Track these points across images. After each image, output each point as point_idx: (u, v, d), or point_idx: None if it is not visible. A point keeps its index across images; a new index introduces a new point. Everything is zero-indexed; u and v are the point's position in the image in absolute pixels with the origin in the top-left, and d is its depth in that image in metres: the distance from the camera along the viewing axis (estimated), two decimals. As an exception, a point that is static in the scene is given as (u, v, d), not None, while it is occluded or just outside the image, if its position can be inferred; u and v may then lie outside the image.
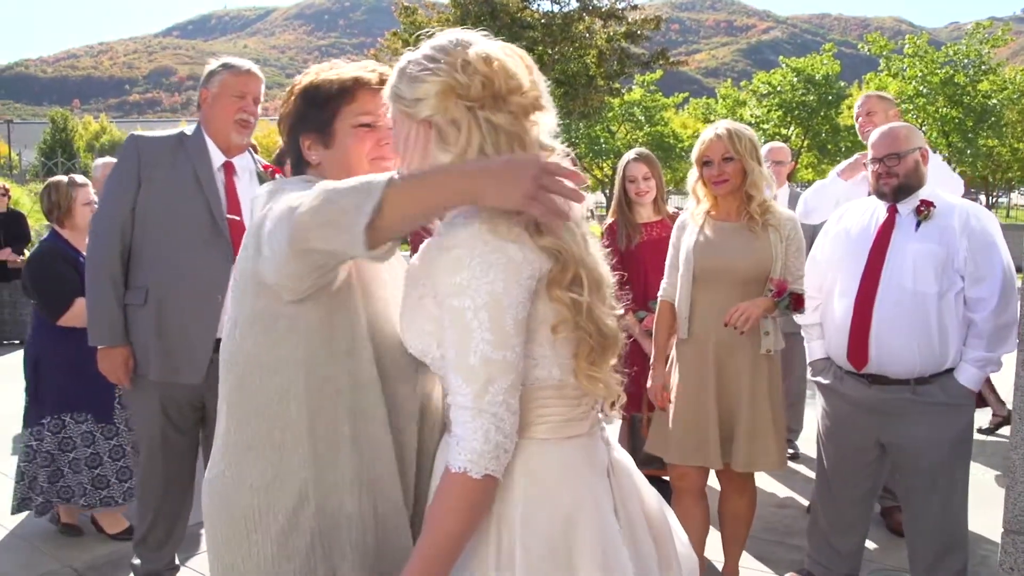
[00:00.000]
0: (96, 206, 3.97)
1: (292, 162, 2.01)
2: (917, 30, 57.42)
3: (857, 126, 4.87)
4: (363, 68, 1.93)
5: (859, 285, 3.30)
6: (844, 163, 4.85)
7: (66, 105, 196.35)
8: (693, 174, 3.53)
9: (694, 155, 3.49)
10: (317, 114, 1.90)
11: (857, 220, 3.46)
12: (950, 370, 3.24)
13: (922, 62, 30.88)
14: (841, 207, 3.71)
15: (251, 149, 3.57)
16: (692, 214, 3.52)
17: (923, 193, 3.31)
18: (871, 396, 3.33)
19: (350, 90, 1.88)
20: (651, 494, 1.82)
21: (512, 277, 1.47)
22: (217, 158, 3.39)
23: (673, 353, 3.56)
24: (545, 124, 1.62)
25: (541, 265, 1.51)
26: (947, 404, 3.23)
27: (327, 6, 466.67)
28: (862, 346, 3.28)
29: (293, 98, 1.95)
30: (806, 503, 4.84)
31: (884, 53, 32.23)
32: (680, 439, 3.41)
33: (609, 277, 1.66)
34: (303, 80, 1.96)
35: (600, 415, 1.74)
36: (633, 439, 4.79)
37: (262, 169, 3.52)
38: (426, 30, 1.68)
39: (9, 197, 10.33)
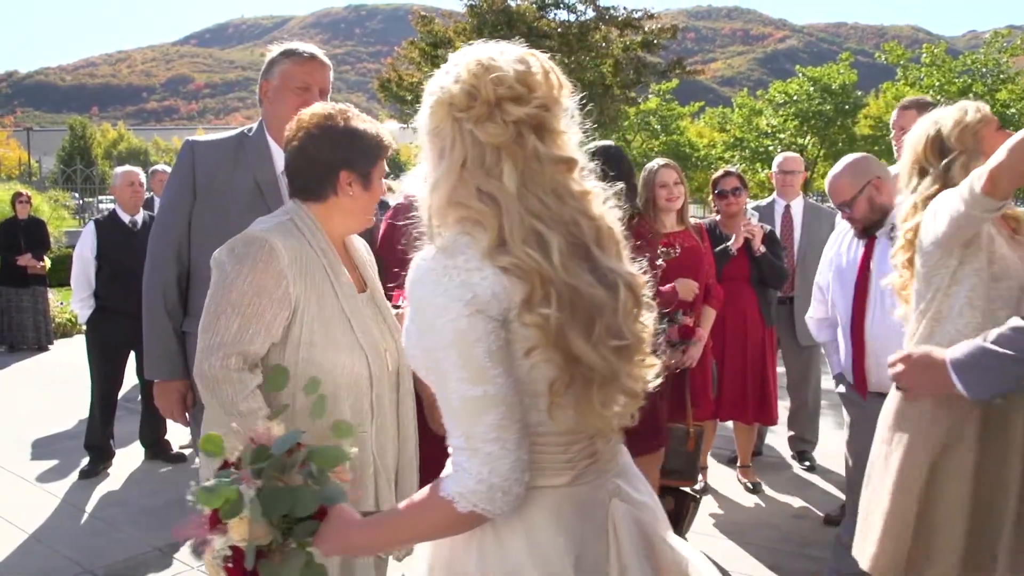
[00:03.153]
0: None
1: (314, 185, 2.25)
2: (934, 39, 57.20)
3: (892, 137, 4.84)
4: (376, 124, 2.28)
5: (852, 318, 3.44)
6: None
7: (85, 113, 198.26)
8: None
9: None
10: (364, 158, 2.23)
11: (844, 250, 3.58)
12: None
13: (940, 71, 30.69)
14: (835, 232, 3.80)
15: None
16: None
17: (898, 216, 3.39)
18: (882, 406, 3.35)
19: (386, 147, 2.25)
20: (672, 556, 1.58)
21: (476, 308, 1.39)
22: (281, 160, 2.88)
23: (923, 426, 2.45)
24: (571, 136, 1.52)
25: (510, 292, 1.41)
26: None
27: (344, 15, 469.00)
28: (860, 375, 3.42)
29: (338, 134, 2.20)
30: (822, 514, 4.83)
31: (901, 62, 32.05)
32: (958, 546, 2.35)
33: (614, 303, 1.49)
34: (350, 119, 2.24)
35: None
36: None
37: None
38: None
39: (30, 204, 10.44)
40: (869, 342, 3.37)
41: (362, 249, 2.47)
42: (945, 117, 2.61)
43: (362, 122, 2.25)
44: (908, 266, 2.54)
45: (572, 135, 1.53)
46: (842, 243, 3.67)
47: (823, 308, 3.73)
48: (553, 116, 1.49)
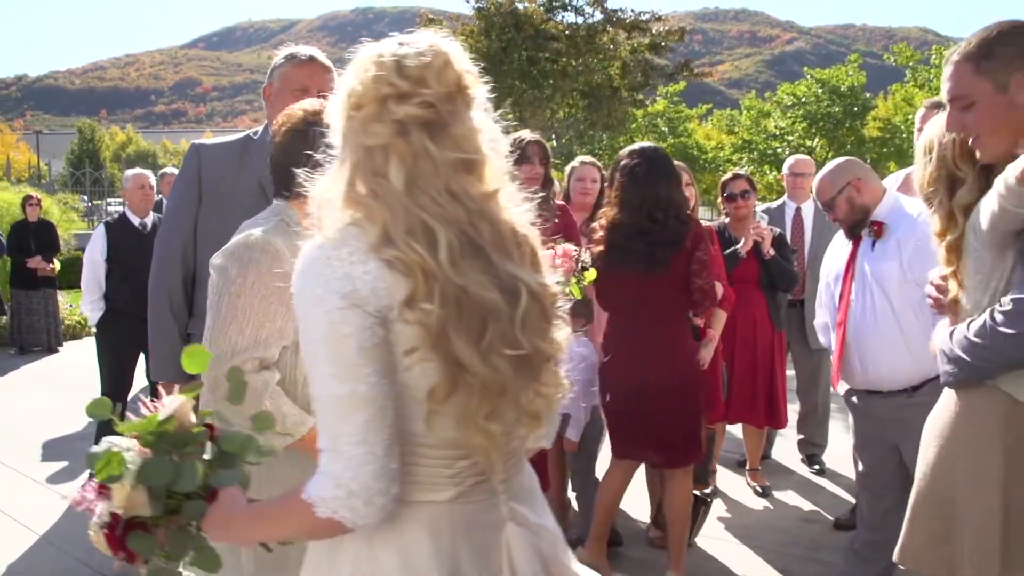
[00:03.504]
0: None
1: (292, 185, 2.10)
2: (943, 40, 56.98)
3: (915, 136, 4.80)
4: None
5: (839, 316, 3.50)
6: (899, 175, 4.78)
7: (93, 116, 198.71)
8: None
9: None
10: None
11: (836, 258, 3.64)
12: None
13: (948, 73, 30.60)
14: (835, 236, 3.83)
15: None
16: None
17: (882, 212, 3.43)
18: (876, 405, 3.42)
19: None
20: None
21: (353, 301, 1.33)
22: None
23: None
24: (480, 133, 1.44)
25: (392, 288, 1.34)
26: None
27: (351, 18, 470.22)
28: (836, 366, 3.49)
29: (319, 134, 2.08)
30: (832, 518, 4.82)
31: (910, 64, 31.97)
32: None
33: (511, 310, 1.40)
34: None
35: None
36: None
37: None
38: None
39: (40, 207, 10.50)
40: (852, 339, 3.40)
41: None
42: None
43: None
44: (954, 276, 2.45)
45: (483, 132, 1.44)
46: (832, 251, 3.72)
47: (825, 312, 3.76)
48: (448, 112, 1.39)
